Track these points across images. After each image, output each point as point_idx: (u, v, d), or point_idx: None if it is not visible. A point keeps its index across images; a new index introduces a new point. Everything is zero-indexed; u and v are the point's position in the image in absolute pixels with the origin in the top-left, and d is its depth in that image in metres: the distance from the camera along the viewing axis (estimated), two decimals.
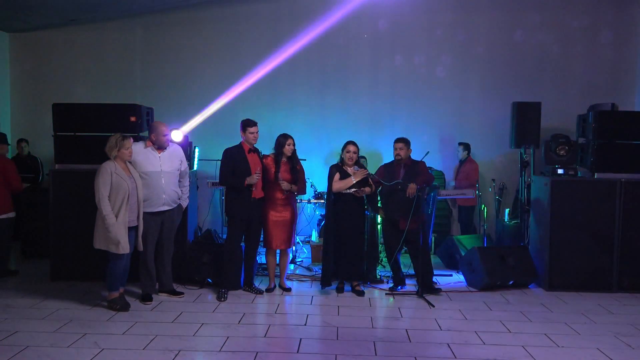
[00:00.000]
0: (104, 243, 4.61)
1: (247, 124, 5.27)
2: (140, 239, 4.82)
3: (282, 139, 5.32)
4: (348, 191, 5.36)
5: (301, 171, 5.47)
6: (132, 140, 4.78)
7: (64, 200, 5.62)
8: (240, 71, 8.04)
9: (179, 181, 5.20)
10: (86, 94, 8.12)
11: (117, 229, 4.53)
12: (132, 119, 5.64)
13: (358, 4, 7.89)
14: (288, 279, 5.84)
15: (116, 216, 4.55)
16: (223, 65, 8.21)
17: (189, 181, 5.41)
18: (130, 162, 4.83)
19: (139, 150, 4.94)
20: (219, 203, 7.71)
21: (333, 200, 5.42)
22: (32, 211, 6.96)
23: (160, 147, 5.03)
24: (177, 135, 6.14)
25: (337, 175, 5.41)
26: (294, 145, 5.35)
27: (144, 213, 4.83)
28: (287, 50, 7.96)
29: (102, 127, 5.61)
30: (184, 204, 5.31)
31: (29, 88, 8.53)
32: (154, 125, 5.05)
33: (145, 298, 5.04)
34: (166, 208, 5.04)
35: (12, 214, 5.96)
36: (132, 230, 4.72)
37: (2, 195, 5.84)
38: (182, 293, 5.26)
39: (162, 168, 5.00)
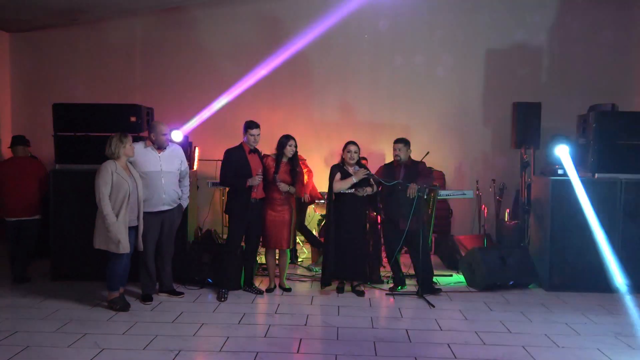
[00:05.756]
0: (104, 243, 4.61)
1: (249, 125, 5.27)
2: (140, 238, 4.82)
3: (284, 140, 5.32)
4: (349, 191, 5.36)
5: (301, 173, 5.48)
6: (130, 137, 4.79)
7: (64, 200, 5.62)
8: (240, 71, 8.03)
9: (179, 181, 5.21)
10: (86, 94, 8.11)
11: (117, 229, 4.53)
12: (132, 119, 5.65)
13: (358, 4, 7.87)
14: (288, 279, 5.84)
15: (116, 216, 4.55)
16: (223, 65, 8.20)
17: (189, 181, 5.41)
18: (130, 162, 4.84)
19: (139, 150, 4.94)
20: (219, 203, 7.70)
21: (334, 200, 5.42)
22: None
23: (160, 146, 5.04)
24: (177, 135, 6.15)
25: (338, 175, 5.41)
26: (295, 147, 5.35)
27: (144, 213, 4.84)
28: (287, 50, 7.95)
29: (102, 127, 5.61)
30: (184, 204, 5.31)
31: (29, 88, 8.51)
32: (153, 125, 5.06)
33: (145, 298, 5.04)
34: (166, 208, 5.04)
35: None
36: (132, 230, 4.72)
37: (34, 197, 5.76)
38: (182, 293, 5.26)
39: (162, 168, 5.00)
